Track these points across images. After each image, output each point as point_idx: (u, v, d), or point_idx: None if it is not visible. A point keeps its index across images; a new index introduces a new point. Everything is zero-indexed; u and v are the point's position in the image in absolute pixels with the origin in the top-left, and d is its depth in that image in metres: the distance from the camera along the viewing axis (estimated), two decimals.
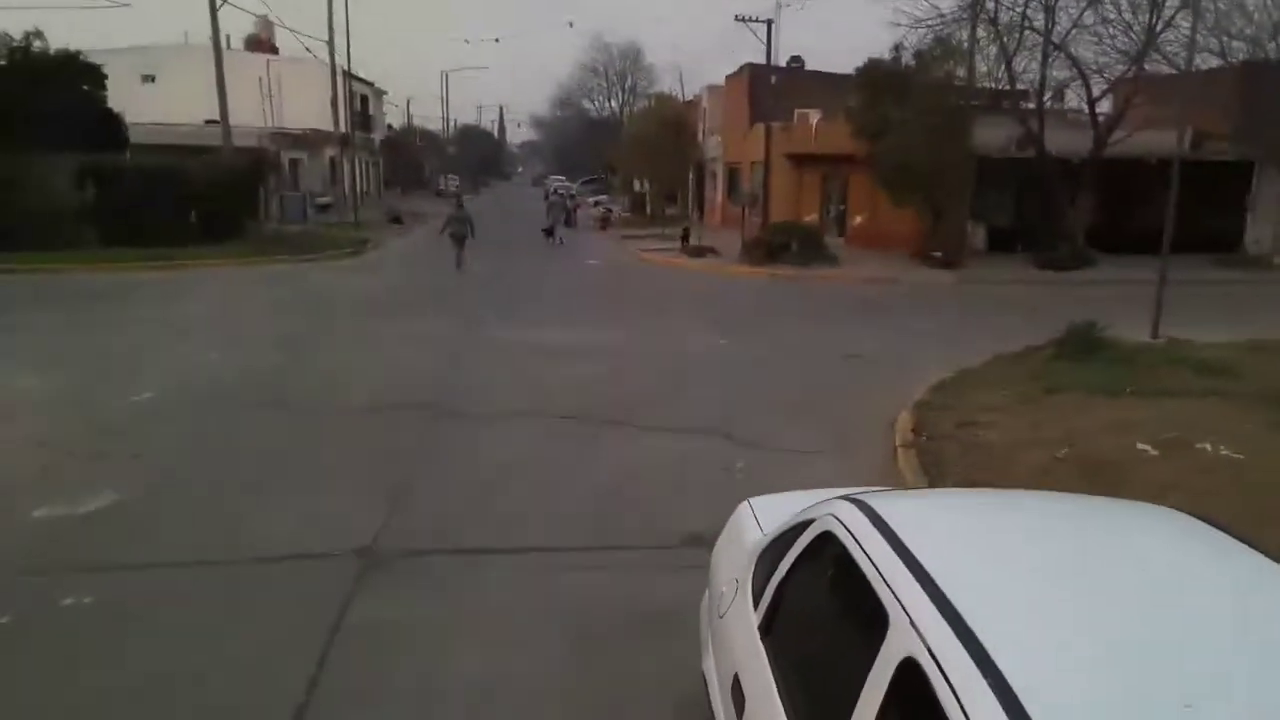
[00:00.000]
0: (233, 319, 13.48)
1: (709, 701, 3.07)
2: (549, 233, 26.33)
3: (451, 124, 71.64)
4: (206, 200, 22.24)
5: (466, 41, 68.64)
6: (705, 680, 3.18)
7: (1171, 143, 13.37)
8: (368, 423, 8.13)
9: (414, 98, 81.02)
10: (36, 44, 23.09)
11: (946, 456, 7.20)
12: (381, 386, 9.37)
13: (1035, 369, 9.98)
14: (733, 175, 33.75)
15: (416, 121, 68.96)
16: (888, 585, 2.03)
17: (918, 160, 20.24)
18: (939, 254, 21.60)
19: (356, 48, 67.35)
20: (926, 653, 1.81)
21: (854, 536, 2.32)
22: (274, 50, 41.01)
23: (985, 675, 1.66)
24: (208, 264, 19.24)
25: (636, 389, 9.60)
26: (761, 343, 12.48)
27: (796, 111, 27.81)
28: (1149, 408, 8.29)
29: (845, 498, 2.59)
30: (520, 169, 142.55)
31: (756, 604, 2.80)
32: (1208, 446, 7.16)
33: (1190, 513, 2.54)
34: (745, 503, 3.70)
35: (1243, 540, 2.31)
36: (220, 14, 23.47)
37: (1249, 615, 2.02)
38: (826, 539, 2.48)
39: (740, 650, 2.76)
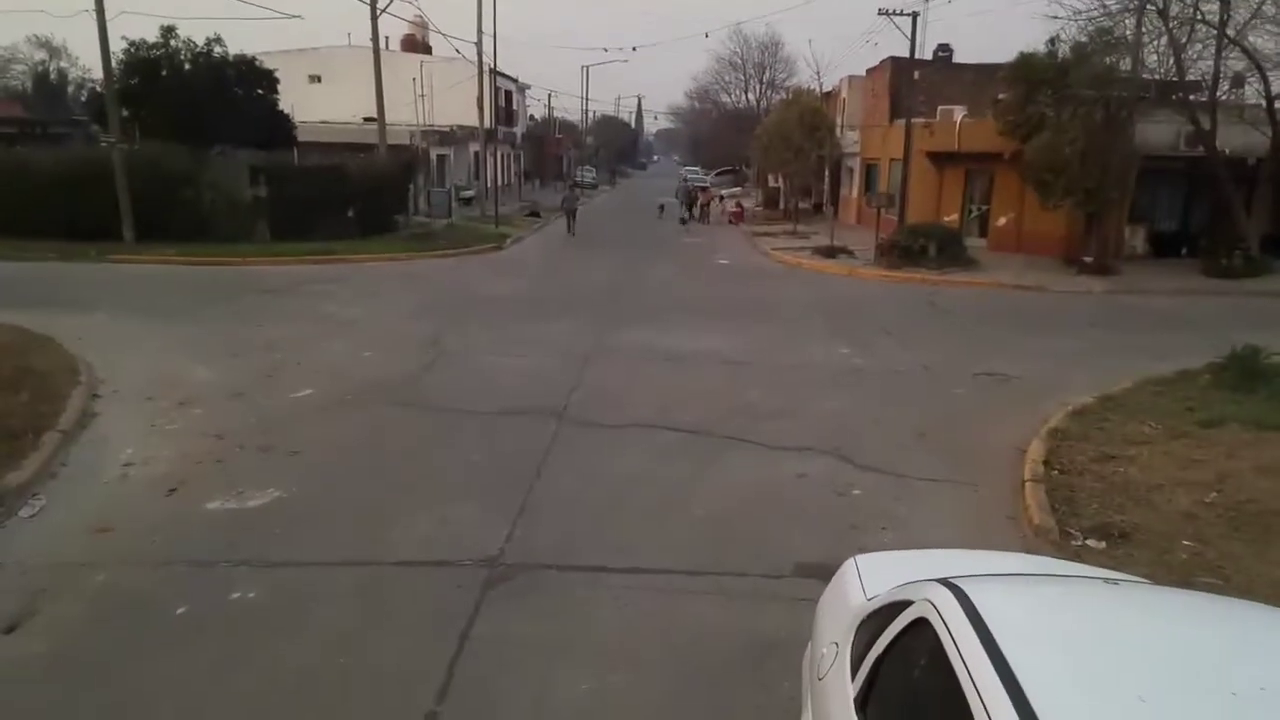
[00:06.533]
0: (386, 316, 14.37)
1: None
2: (683, 221, 34.26)
3: (590, 115, 72.99)
4: (363, 197, 23.75)
5: (605, 50, 69.96)
6: None
7: None
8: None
9: (555, 91, 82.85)
10: (217, 49, 25.16)
11: (1079, 494, 6.93)
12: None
13: (1189, 397, 9.38)
14: (870, 172, 32.91)
15: (557, 113, 70.64)
16: (979, 694, 2.08)
17: (1074, 159, 19.17)
18: (1090, 259, 20.41)
19: (503, 48, 69.48)
20: None
21: (949, 630, 2.36)
22: (428, 50, 43.03)
23: None
24: (363, 259, 20.58)
25: (754, 401, 9.67)
26: (889, 354, 12.25)
27: (940, 108, 26.81)
28: None
29: (944, 582, 2.64)
30: (656, 158, 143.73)
31: (854, 674, 2.89)
32: None
33: None
34: (851, 560, 3.76)
35: None
36: (379, 20, 24.97)
37: None
38: (922, 625, 2.54)
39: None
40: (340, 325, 13.30)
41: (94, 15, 20.18)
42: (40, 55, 59.27)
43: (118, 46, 22.74)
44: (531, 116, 61.83)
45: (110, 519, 6.24)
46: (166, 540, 5.96)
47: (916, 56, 24.77)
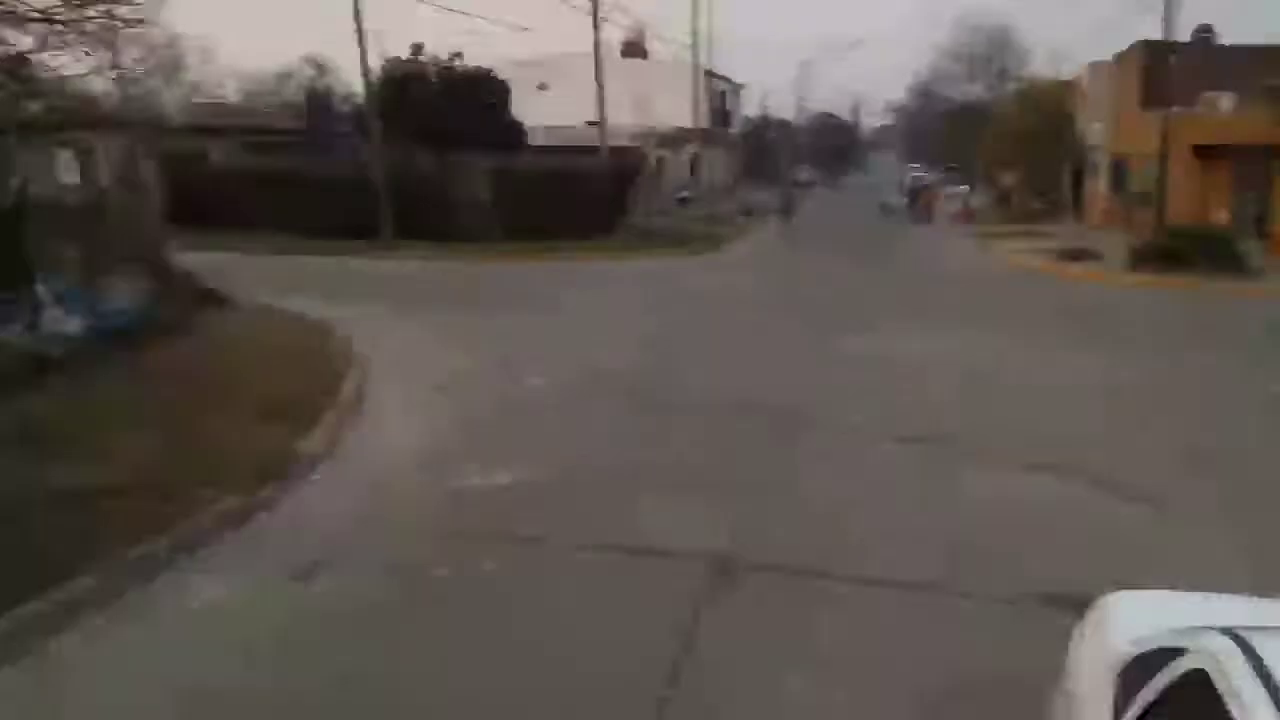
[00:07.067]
0: (614, 312, 15.00)
1: None
2: (908, 219, 34.99)
3: (808, 114, 71.85)
4: (587, 199, 24.90)
5: (825, 47, 68.97)
6: None
7: None
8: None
9: (772, 90, 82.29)
10: (457, 64, 27.34)
11: None
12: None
13: None
14: (1118, 168, 30.02)
15: (773, 112, 70.18)
16: None
17: None
18: None
19: (719, 48, 70.17)
20: None
21: (1233, 688, 2.10)
22: (646, 54, 44.34)
23: None
24: (588, 257, 21.68)
25: (997, 414, 9.12)
26: (1150, 369, 11.12)
27: (1203, 94, 23.99)
28: None
29: (1225, 631, 2.35)
30: (876, 156, 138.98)
31: None
32: None
33: None
34: (1111, 596, 3.44)
35: None
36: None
37: None
38: (1198, 678, 2.28)
39: None
40: (570, 320, 14.07)
41: (356, 42, 22.54)
42: (310, 72, 66.86)
43: (374, 64, 25.31)
44: (746, 116, 61.85)
45: (378, 489, 6.98)
46: (425, 512, 6.58)
47: (1171, 39, 22.27)
